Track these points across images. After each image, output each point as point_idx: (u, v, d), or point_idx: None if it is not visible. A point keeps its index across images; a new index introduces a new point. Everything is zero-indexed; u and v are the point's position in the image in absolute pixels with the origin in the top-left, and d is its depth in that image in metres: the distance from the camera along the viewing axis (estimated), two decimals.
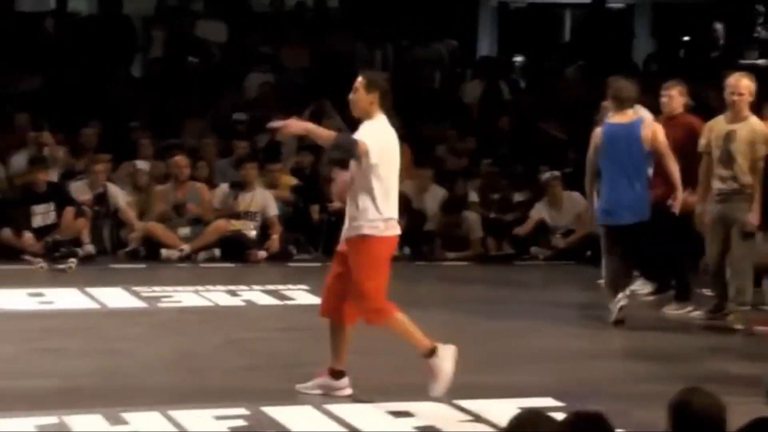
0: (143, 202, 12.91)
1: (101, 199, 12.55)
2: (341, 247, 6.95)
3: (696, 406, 3.87)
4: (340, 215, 8.02)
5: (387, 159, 6.77)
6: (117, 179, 13.19)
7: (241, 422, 6.36)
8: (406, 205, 13.15)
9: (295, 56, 16.67)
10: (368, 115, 6.81)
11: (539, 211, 13.14)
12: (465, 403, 6.76)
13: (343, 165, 7.14)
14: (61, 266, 11.36)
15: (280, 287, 10.68)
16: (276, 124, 6.84)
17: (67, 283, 10.56)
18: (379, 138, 6.74)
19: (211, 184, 13.18)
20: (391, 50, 17.22)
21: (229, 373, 7.51)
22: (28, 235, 11.83)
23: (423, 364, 6.81)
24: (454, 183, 13.65)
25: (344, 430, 6.31)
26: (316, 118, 14.12)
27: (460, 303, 10.30)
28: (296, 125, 6.88)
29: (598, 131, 9.39)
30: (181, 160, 12.86)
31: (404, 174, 13.85)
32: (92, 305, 9.64)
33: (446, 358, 6.79)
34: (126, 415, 6.35)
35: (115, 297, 9.98)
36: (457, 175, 13.94)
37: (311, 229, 12.92)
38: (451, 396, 6.81)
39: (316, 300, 9.96)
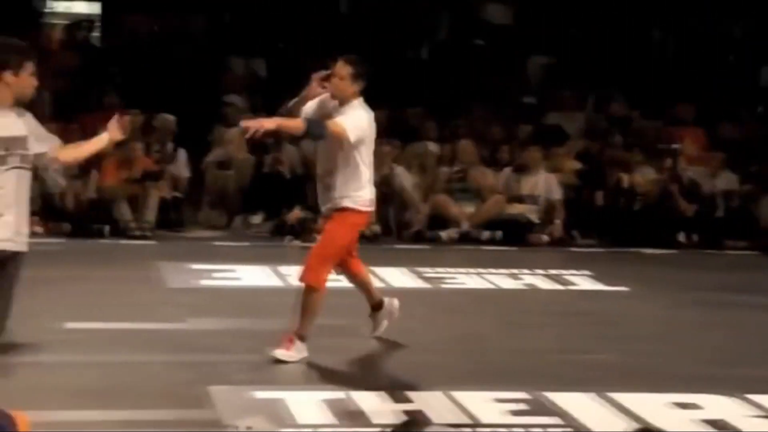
0: (428, 184, 13.08)
1: (387, 180, 12.78)
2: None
3: None
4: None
5: (368, 139, 7.19)
6: (403, 161, 13.43)
7: (522, 406, 6.34)
8: (693, 190, 12.88)
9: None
10: (348, 101, 7.18)
11: None
12: (757, 398, 6.53)
13: None
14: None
15: (562, 272, 10.61)
16: (247, 123, 6.77)
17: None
18: (360, 118, 7.14)
19: (495, 167, 13.22)
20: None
21: (509, 356, 7.52)
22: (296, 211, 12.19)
23: (281, 337, 7.04)
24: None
25: (626, 418, 6.20)
26: None
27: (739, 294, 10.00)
28: (268, 122, 6.79)
29: None
30: (468, 144, 12.97)
31: (695, 160, 13.71)
32: (377, 284, 9.79)
33: (300, 350, 7.06)
34: (410, 394, 6.44)
35: (399, 277, 10.15)
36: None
37: (594, 214, 12.77)
38: (742, 389, 6.60)
39: (599, 286, 9.92)
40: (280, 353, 7.05)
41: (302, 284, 7.22)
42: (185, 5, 16.09)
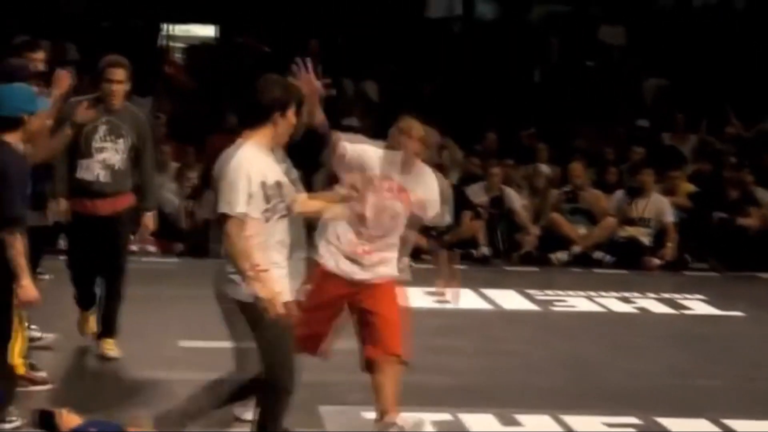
0: (538, 205, 13.03)
1: (497, 202, 12.77)
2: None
3: None
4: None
5: None
6: (514, 182, 13.40)
7: (631, 430, 6.29)
8: None
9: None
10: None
11: None
12: None
13: None
14: None
15: (675, 296, 10.48)
16: None
17: (462, 284, 10.79)
18: None
19: (612, 190, 13.10)
20: None
21: (620, 379, 7.45)
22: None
23: None
24: None
25: None
26: None
27: None
28: None
29: None
30: (578, 166, 12.91)
31: None
32: (486, 306, 9.83)
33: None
34: (518, 417, 6.42)
35: (509, 299, 10.12)
36: None
37: (709, 237, 12.57)
38: None
39: (713, 310, 9.77)
40: None
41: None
42: (299, 27, 16.31)
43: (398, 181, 5.94)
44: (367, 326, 5.99)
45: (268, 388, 5.23)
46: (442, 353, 7.94)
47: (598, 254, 12.31)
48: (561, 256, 12.27)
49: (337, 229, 5.91)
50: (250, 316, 5.13)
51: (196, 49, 17.03)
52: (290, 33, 16.25)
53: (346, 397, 6.67)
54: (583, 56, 16.68)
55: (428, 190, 6.05)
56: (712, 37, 16.59)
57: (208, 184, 12.39)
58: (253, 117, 5.16)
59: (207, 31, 18.13)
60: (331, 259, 5.93)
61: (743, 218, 12.56)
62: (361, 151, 5.94)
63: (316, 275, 5.90)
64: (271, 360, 5.19)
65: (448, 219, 6.33)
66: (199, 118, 14.07)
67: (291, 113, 5.17)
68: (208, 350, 7.68)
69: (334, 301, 5.98)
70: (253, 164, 5.05)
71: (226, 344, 7.74)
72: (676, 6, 17.19)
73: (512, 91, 15.88)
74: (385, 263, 5.99)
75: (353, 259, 5.93)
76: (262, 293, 5.02)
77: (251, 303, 5.08)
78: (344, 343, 7.98)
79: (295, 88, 5.31)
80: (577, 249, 12.31)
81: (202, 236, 12.07)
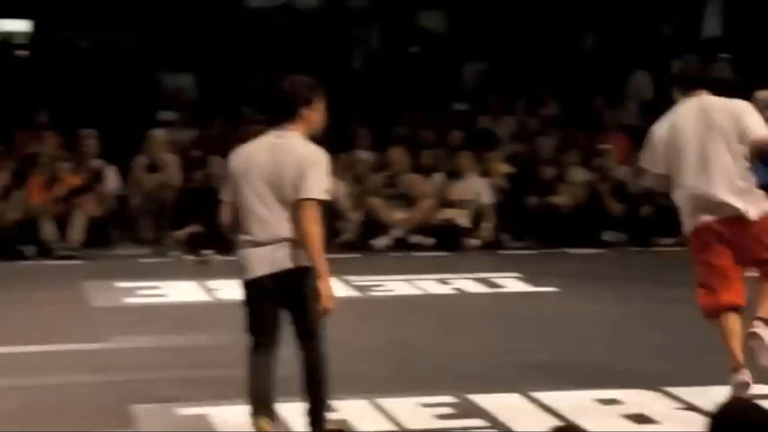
0: (360, 192, 13.08)
1: None
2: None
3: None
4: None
5: None
6: (335, 171, 13.40)
7: (447, 410, 6.36)
8: (622, 189, 12.99)
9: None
10: None
11: None
12: (675, 390, 6.59)
13: None
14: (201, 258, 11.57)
15: (491, 275, 10.65)
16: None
17: None
18: None
19: (429, 173, 13.25)
20: None
21: (437, 361, 7.53)
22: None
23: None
24: None
25: (549, 417, 6.23)
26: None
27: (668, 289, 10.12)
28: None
29: None
30: (398, 151, 13.00)
31: (623, 160, 13.82)
32: None
33: None
34: (335, 403, 6.42)
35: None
36: None
37: (524, 217, 12.82)
38: (661, 383, 6.66)
39: (527, 287, 9.96)
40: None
41: None
42: (117, 21, 16.02)
43: None
44: None
45: (323, 358, 5.76)
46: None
47: (416, 238, 12.42)
48: (381, 241, 12.35)
49: None
50: (313, 283, 5.50)
51: (6, 44, 16.58)
52: (107, 27, 15.96)
53: (161, 395, 6.58)
54: (404, 42, 16.80)
55: None
56: (532, 21, 16.92)
57: (19, 184, 12.11)
58: (286, 112, 5.64)
59: (20, 26, 17.63)
60: None
61: (555, 197, 12.85)
62: None
63: None
64: (322, 332, 5.69)
65: None
66: (7, 115, 13.70)
67: (319, 107, 5.70)
68: (17, 355, 7.52)
69: None
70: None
71: (38, 348, 7.62)
72: None
73: (333, 79, 15.86)
74: None
75: None
76: (325, 286, 5.51)
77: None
78: (158, 340, 7.93)
79: (310, 83, 5.74)
80: (397, 233, 12.41)
81: (13, 237, 11.77)
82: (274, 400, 5.69)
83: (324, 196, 5.50)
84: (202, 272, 10.70)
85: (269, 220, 5.49)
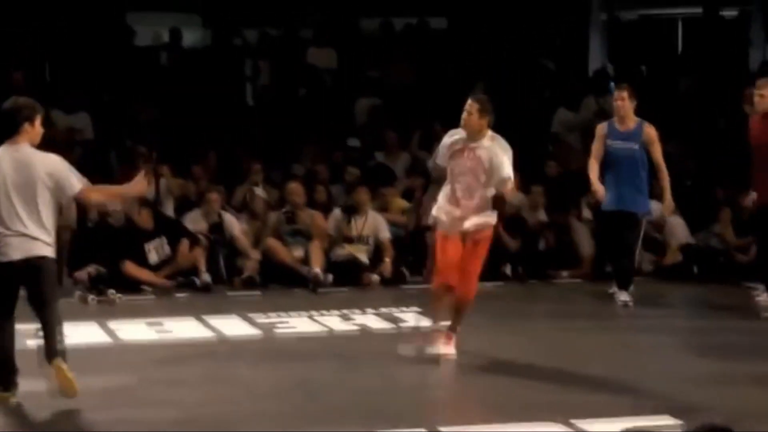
0: (258, 229, 13.09)
1: (217, 228, 12.76)
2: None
3: None
4: None
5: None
6: (232, 207, 13.44)
7: None
8: (518, 223, 13.22)
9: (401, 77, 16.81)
10: (480, 133, 8.45)
11: None
12: (582, 423, 6.74)
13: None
14: (103, 298, 11.52)
15: (393, 310, 10.75)
16: None
17: (185, 313, 10.77)
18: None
19: (328, 209, 13.33)
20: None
21: (344, 397, 7.59)
22: (147, 272, 12.09)
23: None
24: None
25: None
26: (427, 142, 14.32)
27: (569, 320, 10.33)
28: None
29: None
30: (296, 187, 13.05)
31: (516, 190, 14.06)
32: (209, 334, 9.82)
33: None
34: None
35: (232, 325, 10.14)
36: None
37: (424, 251, 12.95)
38: (567, 415, 6.81)
39: (427, 322, 10.06)
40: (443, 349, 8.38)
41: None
42: (5, 60, 15.87)
43: None
44: None
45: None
46: (166, 385, 7.89)
47: (314, 275, 12.38)
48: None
49: None
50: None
51: None
52: None
53: None
54: (294, 79, 16.90)
55: None
56: (416, 56, 17.16)
57: None
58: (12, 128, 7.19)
59: None
60: None
61: None
62: None
63: None
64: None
65: None
66: None
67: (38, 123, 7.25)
68: None
69: None
70: None
71: None
72: (381, 27, 17.67)
73: (227, 116, 15.92)
74: None
75: None
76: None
77: None
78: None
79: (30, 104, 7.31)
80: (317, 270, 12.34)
81: None
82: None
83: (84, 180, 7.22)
84: (104, 312, 10.66)
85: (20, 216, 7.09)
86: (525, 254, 13.08)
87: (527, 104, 16.62)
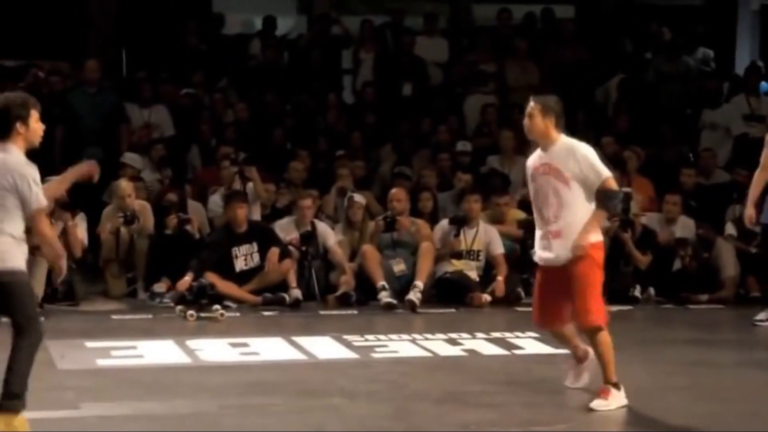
0: (356, 240, 13.10)
1: (309, 238, 12.79)
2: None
3: None
4: None
5: None
6: (326, 215, 13.50)
7: None
8: (648, 238, 13.07)
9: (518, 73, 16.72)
10: (548, 138, 8.00)
11: None
12: None
13: None
14: (207, 314, 11.60)
15: (506, 335, 10.67)
16: None
17: (272, 332, 10.82)
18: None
19: (434, 220, 13.31)
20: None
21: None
22: (233, 287, 12.16)
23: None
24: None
25: None
26: None
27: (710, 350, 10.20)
28: None
29: None
30: (399, 192, 13.03)
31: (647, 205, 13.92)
32: (299, 356, 9.84)
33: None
34: None
35: (324, 347, 10.15)
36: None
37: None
38: None
39: (546, 349, 9.98)
40: (597, 404, 7.90)
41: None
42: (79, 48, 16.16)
43: None
44: None
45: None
46: (249, 413, 7.92)
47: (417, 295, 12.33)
48: (384, 296, 12.28)
49: None
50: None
51: None
52: None
53: None
54: (398, 73, 16.89)
55: None
56: (537, 49, 17.04)
57: None
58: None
59: None
60: None
61: None
62: None
63: None
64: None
65: None
66: None
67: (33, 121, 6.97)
68: None
69: None
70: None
71: None
72: (498, 16, 17.59)
73: (323, 114, 16.01)
74: None
75: None
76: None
77: None
78: (133, 407, 7.92)
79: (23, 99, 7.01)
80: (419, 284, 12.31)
81: None
82: None
83: (44, 204, 6.88)
84: (183, 329, 10.77)
85: None
86: (657, 274, 12.91)
87: (665, 104, 16.42)
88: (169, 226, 12.79)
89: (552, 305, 8.21)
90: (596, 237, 8.02)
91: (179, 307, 11.68)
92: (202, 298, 11.70)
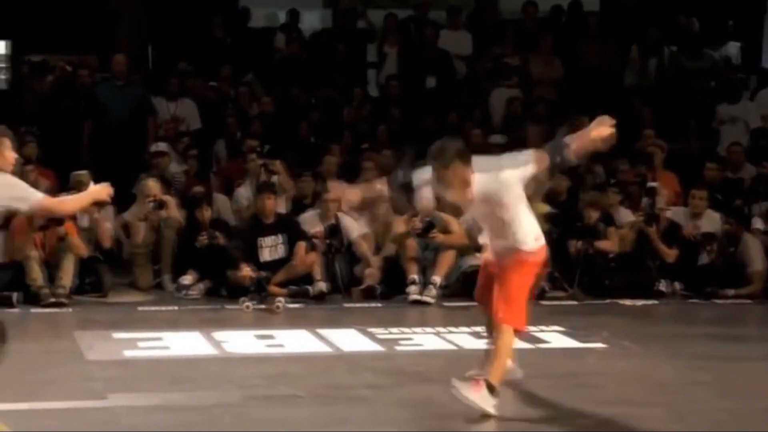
0: (381, 233, 13.11)
1: (334, 231, 12.82)
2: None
3: None
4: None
5: None
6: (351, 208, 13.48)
7: None
8: (677, 231, 13.04)
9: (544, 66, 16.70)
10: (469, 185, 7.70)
11: None
12: None
13: None
14: (267, 306, 11.66)
15: (531, 328, 10.64)
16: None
17: (297, 325, 10.86)
18: None
19: (458, 214, 13.27)
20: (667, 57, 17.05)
21: (473, 425, 7.55)
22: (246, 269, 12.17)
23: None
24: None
25: None
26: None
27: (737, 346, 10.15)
28: None
29: None
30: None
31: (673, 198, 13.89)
32: (324, 349, 9.87)
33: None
34: None
35: (349, 339, 10.18)
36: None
37: (567, 263, 12.83)
38: None
39: (572, 343, 9.99)
40: (463, 389, 7.61)
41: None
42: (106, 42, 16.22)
43: None
44: None
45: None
46: (273, 404, 7.95)
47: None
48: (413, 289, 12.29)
49: None
50: None
51: None
52: None
53: None
54: (423, 66, 16.88)
55: None
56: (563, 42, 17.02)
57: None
58: None
59: None
60: None
61: (601, 242, 12.87)
62: None
63: None
64: None
65: None
66: None
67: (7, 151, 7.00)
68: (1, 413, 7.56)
69: None
70: None
71: (26, 405, 7.67)
72: (523, 8, 17.58)
73: (348, 107, 16.02)
74: None
75: None
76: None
77: None
78: (159, 398, 7.97)
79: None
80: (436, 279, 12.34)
81: None
82: None
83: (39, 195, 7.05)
84: (209, 321, 10.82)
85: None
86: (683, 269, 12.89)
87: (688, 99, 16.40)
88: (200, 244, 12.72)
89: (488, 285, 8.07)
90: (539, 243, 7.86)
91: (241, 299, 11.72)
92: (262, 291, 11.80)
